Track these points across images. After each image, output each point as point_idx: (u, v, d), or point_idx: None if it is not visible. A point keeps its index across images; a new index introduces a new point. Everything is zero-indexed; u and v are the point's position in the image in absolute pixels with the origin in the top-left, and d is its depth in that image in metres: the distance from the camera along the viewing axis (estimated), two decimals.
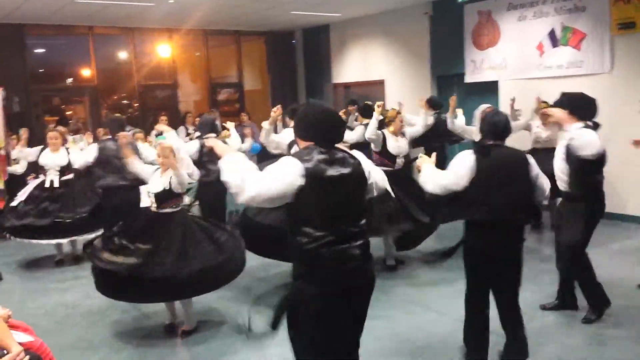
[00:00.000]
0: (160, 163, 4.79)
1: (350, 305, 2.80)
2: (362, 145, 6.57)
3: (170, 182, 4.68)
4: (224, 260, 4.57)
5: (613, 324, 4.56)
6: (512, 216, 3.64)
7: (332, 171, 2.72)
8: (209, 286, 4.62)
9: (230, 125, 6.76)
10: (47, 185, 6.80)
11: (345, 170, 2.76)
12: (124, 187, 6.37)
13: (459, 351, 4.16)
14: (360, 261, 2.79)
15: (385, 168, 5.33)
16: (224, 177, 2.71)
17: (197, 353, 4.46)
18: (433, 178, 3.74)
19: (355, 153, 3.10)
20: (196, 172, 5.52)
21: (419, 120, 6.98)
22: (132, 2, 8.89)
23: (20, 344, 2.99)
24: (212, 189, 6.34)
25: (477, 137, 7.00)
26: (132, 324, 5.11)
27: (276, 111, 5.93)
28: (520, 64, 9.07)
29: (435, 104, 8.46)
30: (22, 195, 6.80)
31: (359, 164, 2.88)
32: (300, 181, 2.63)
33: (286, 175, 2.64)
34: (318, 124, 2.82)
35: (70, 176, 6.91)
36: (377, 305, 5.06)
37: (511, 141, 3.85)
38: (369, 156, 6.24)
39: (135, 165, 5.21)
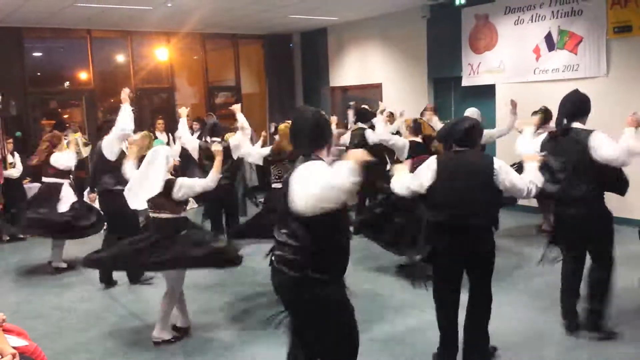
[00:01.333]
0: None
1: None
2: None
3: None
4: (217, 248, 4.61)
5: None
6: (466, 220, 3.67)
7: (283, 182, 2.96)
8: (201, 262, 4.62)
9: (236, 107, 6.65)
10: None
11: (284, 186, 2.90)
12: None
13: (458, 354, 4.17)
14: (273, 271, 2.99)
15: None
16: None
17: (194, 356, 4.44)
18: (401, 181, 3.97)
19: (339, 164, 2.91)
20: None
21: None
22: (130, 5, 8.89)
23: (14, 348, 2.97)
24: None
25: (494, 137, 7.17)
26: (128, 327, 5.09)
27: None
28: (517, 67, 9.09)
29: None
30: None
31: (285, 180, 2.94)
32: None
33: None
34: (293, 130, 3.10)
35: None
36: (373, 308, 5.11)
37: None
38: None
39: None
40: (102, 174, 6.01)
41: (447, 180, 3.73)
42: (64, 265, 6.85)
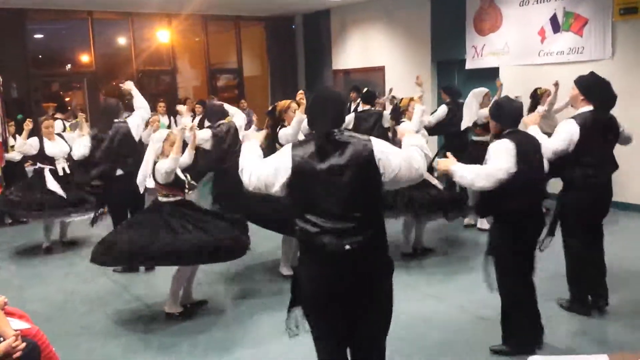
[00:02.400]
0: (168, 153, 4.75)
1: (341, 300, 2.69)
2: None
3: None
4: (224, 238, 4.67)
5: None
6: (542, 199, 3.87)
7: (324, 164, 2.64)
8: (208, 257, 4.67)
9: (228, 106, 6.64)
10: (60, 173, 6.79)
11: (342, 160, 2.64)
12: (125, 175, 6.00)
13: (459, 338, 4.18)
14: (354, 256, 2.61)
15: None
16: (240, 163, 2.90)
17: (198, 341, 4.45)
18: (480, 173, 3.58)
19: (414, 140, 2.94)
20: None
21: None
22: None
23: (16, 330, 2.98)
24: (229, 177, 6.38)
25: (469, 123, 7.06)
26: (132, 311, 5.10)
27: (300, 96, 5.40)
28: (522, 49, 9.00)
29: (453, 92, 8.15)
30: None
31: (366, 150, 2.67)
32: (286, 174, 2.67)
33: (272, 168, 2.72)
34: (315, 109, 2.81)
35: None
36: None
37: None
38: None
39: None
40: (126, 156, 6.00)
41: (528, 163, 3.64)
42: (48, 244, 7.04)
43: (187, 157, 5.17)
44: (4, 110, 7.44)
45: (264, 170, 2.73)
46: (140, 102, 6.20)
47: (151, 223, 4.65)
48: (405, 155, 2.78)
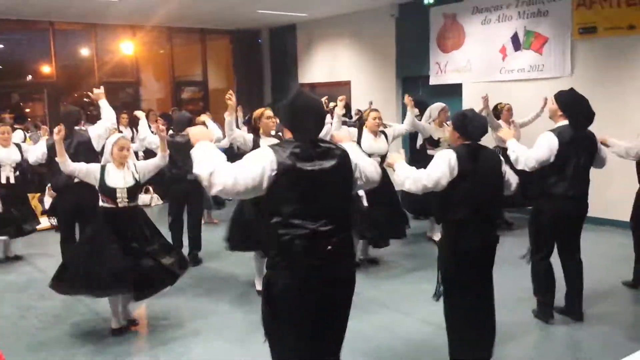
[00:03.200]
0: (120, 157, 4.69)
1: (324, 303, 2.71)
2: None
3: (137, 173, 4.73)
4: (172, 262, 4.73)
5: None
6: (492, 212, 3.72)
7: (309, 165, 2.65)
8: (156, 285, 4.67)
9: (205, 117, 6.58)
10: (3, 181, 6.58)
11: (327, 164, 2.70)
12: (80, 185, 5.69)
13: (423, 351, 4.18)
14: (334, 257, 2.69)
15: None
16: (195, 168, 2.65)
17: (156, 355, 4.36)
18: (411, 176, 3.59)
19: (346, 145, 2.99)
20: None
21: (406, 121, 6.72)
22: None
23: None
24: (182, 184, 6.39)
25: (426, 135, 7.16)
26: (89, 326, 4.96)
27: (230, 97, 5.38)
28: (484, 67, 9.19)
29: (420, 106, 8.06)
30: None
31: (346, 156, 2.81)
32: (272, 173, 2.60)
33: (258, 166, 2.60)
34: (299, 114, 2.78)
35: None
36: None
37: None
38: None
39: (68, 166, 4.84)
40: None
41: (475, 176, 3.56)
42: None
43: (160, 160, 5.02)
44: None
45: (250, 170, 2.59)
46: (107, 112, 6.06)
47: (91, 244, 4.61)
48: (369, 161, 2.96)
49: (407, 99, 6.78)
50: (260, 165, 2.60)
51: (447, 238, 3.68)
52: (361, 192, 5.85)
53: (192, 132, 2.81)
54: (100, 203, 4.69)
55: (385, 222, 6.03)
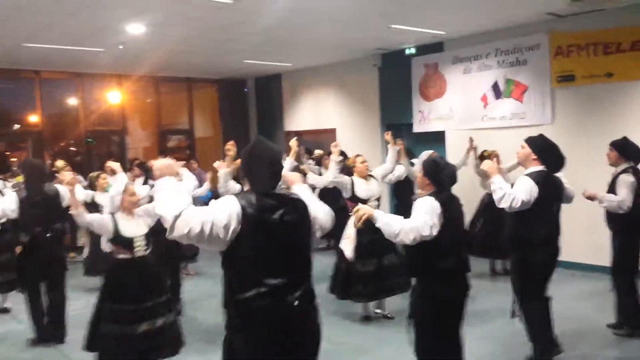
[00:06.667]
0: (131, 204, 4.61)
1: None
2: (333, 191, 6.48)
3: (147, 219, 4.64)
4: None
5: None
6: (467, 258, 3.76)
7: (272, 217, 2.60)
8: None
9: (180, 167, 6.45)
10: None
11: (288, 216, 2.64)
12: (50, 239, 5.51)
13: None
14: (299, 313, 2.62)
15: None
16: (157, 207, 2.52)
17: None
18: (403, 227, 3.46)
19: (298, 189, 2.99)
20: None
21: (388, 158, 6.70)
22: (81, 47, 8.77)
23: None
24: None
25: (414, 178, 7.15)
26: None
27: (231, 148, 5.38)
28: (466, 114, 9.33)
29: (409, 153, 8.04)
30: None
31: (305, 208, 2.76)
32: (236, 223, 2.50)
33: (225, 215, 2.49)
34: (255, 164, 2.73)
35: None
36: (323, 356, 4.98)
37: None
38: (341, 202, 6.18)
39: (86, 217, 4.67)
40: (55, 219, 5.59)
41: (455, 224, 3.64)
42: None
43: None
44: None
45: (218, 219, 2.46)
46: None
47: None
48: (321, 207, 2.93)
49: (388, 135, 6.76)
50: (227, 213, 2.50)
51: (428, 285, 3.63)
52: (343, 245, 5.83)
53: (156, 165, 2.63)
54: (113, 255, 4.53)
55: (378, 274, 5.88)
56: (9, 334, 6.11)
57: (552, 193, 4.48)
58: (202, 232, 2.43)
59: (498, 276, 7.67)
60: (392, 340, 5.42)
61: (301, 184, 3.11)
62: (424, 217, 3.48)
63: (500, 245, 5.20)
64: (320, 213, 2.89)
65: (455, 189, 3.76)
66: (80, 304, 6.56)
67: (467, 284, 3.72)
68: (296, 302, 2.58)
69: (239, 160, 5.26)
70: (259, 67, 11.82)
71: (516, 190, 4.33)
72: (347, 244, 5.77)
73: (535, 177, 4.43)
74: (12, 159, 11.84)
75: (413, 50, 9.81)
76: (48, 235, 5.43)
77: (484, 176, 7.15)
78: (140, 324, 4.37)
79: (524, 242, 4.49)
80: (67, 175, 5.97)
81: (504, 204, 4.31)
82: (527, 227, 4.44)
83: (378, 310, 6.25)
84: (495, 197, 4.35)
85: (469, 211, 7.61)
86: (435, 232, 3.47)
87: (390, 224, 3.48)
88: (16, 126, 11.75)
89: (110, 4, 6.55)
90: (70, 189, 4.78)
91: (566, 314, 5.46)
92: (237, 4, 6.62)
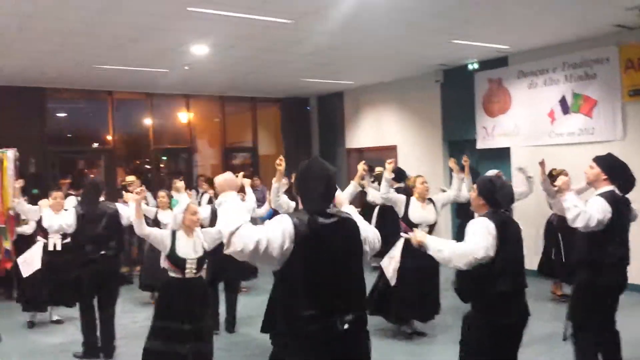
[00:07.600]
0: (192, 222, 4.69)
1: None
2: (392, 209, 6.36)
3: (205, 242, 4.70)
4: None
5: None
6: (524, 282, 3.59)
7: (326, 234, 2.58)
8: None
9: (245, 182, 6.36)
10: (50, 248, 6.67)
11: (341, 235, 2.64)
12: (105, 256, 5.55)
13: None
14: (349, 338, 2.57)
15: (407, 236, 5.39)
16: (217, 224, 2.59)
17: None
18: (456, 252, 3.39)
19: (348, 209, 2.97)
20: None
21: (452, 186, 6.52)
22: (147, 67, 9.13)
23: None
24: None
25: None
26: None
27: (280, 163, 5.44)
28: (532, 130, 9.04)
29: (472, 173, 7.40)
30: (28, 264, 6.71)
31: (357, 226, 2.74)
32: (290, 242, 2.51)
33: (276, 233, 2.51)
34: (308, 183, 2.73)
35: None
36: None
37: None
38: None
39: (145, 228, 4.76)
40: (111, 236, 5.63)
41: (513, 246, 3.48)
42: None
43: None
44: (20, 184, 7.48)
45: (273, 237, 2.49)
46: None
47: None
48: (371, 228, 2.87)
49: (451, 162, 6.60)
50: (280, 232, 2.52)
51: (482, 311, 3.48)
52: (384, 263, 5.83)
53: (218, 181, 2.70)
54: (168, 272, 4.65)
55: (419, 300, 5.83)
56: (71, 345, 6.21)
57: (624, 214, 4.30)
58: (257, 250, 2.46)
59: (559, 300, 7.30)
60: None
61: (349, 206, 3.09)
62: (475, 240, 3.36)
63: (567, 267, 4.96)
64: (370, 233, 2.86)
65: (520, 210, 3.63)
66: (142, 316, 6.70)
67: (526, 310, 3.54)
68: (346, 326, 2.54)
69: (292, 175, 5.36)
70: (320, 86, 11.94)
71: (590, 209, 4.14)
72: (390, 264, 5.71)
73: (608, 197, 4.24)
74: (90, 176, 12.40)
75: (476, 65, 9.63)
76: (102, 252, 5.51)
77: (552, 194, 6.84)
78: (184, 344, 4.45)
79: (596, 264, 4.25)
80: (137, 186, 6.19)
81: (579, 223, 4.13)
82: (600, 248, 4.21)
83: (407, 330, 6.15)
84: (569, 215, 4.17)
85: (536, 234, 7.40)
86: (492, 254, 3.33)
87: (442, 250, 3.43)
88: (94, 145, 12.30)
89: (175, 26, 6.78)
90: (137, 198, 4.87)
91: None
92: (296, 23, 6.71)
